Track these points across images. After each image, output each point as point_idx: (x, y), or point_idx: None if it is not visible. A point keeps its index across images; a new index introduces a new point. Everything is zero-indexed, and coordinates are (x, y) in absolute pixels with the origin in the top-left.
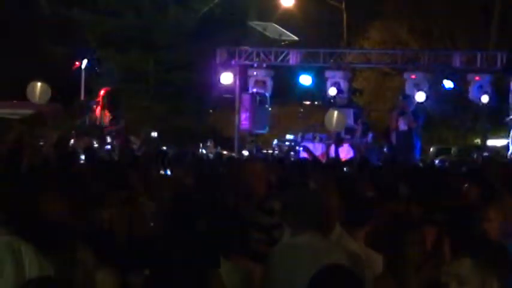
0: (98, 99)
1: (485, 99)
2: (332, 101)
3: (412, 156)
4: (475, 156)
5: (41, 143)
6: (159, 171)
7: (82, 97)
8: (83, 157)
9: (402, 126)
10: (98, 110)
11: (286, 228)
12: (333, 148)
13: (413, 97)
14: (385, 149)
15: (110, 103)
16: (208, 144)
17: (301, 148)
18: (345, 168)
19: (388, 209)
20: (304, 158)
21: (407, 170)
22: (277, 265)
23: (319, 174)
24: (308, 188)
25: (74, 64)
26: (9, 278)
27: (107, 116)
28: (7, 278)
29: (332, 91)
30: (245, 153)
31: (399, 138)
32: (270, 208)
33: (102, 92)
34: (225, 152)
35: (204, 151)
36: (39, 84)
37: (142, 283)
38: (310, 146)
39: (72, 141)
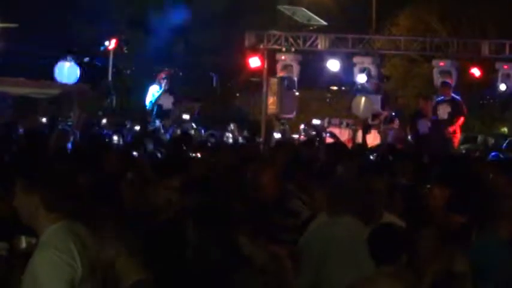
0: (159, 82)
1: (502, 87)
2: (360, 87)
3: (449, 146)
4: (491, 142)
5: (69, 123)
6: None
7: (109, 78)
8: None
9: (442, 114)
10: (157, 92)
11: (324, 216)
12: (360, 134)
13: (450, 84)
14: (409, 137)
15: (171, 85)
16: (232, 128)
17: (328, 134)
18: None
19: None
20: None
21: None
22: (309, 244)
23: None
24: (351, 174)
25: (102, 45)
26: (84, 263)
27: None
28: (83, 263)
29: (361, 78)
30: (276, 135)
31: (437, 126)
32: (292, 210)
33: (162, 75)
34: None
35: (230, 135)
36: (67, 64)
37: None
38: (336, 131)
39: (104, 121)
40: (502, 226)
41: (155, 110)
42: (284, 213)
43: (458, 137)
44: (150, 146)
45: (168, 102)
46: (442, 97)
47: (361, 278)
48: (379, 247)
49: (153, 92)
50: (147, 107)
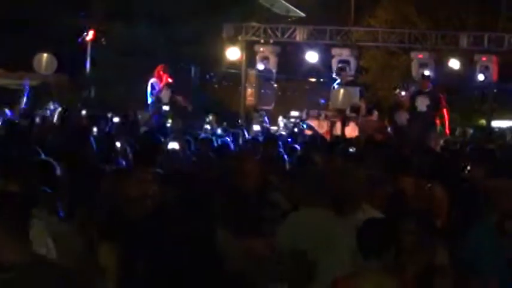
0: (158, 76)
1: (481, 77)
2: (337, 77)
3: (428, 138)
4: (464, 131)
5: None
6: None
7: (88, 69)
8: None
9: (421, 106)
10: (156, 85)
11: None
12: (338, 126)
13: (429, 76)
14: (388, 129)
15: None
16: (210, 118)
17: (305, 126)
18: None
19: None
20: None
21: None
22: (282, 236)
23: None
24: (320, 165)
25: (81, 36)
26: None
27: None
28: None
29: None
30: (255, 128)
31: (416, 118)
32: (272, 201)
33: (160, 69)
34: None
35: (208, 126)
36: (45, 55)
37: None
38: (315, 123)
39: (83, 112)
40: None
41: (154, 103)
42: (265, 205)
43: (447, 127)
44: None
45: (167, 96)
46: (420, 89)
47: (349, 272)
48: (368, 240)
49: (153, 85)
50: (150, 101)
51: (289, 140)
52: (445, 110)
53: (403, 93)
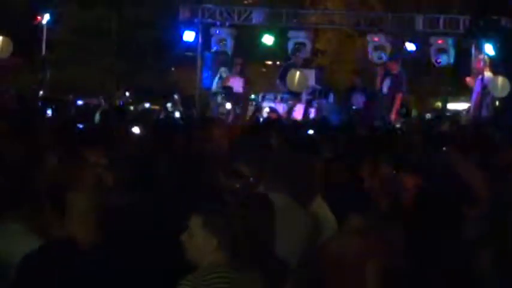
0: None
1: (438, 61)
2: (292, 59)
3: (388, 120)
4: (428, 116)
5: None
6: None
7: (43, 52)
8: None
9: (385, 89)
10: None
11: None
12: (297, 108)
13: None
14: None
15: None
16: (176, 98)
17: (268, 109)
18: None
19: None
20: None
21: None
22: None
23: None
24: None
25: (36, 18)
26: None
27: None
28: None
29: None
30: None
31: (381, 100)
32: (239, 171)
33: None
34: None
35: (170, 107)
36: (0, 37)
37: None
38: (271, 106)
39: (41, 92)
40: None
41: (221, 91)
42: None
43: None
44: None
45: (238, 85)
46: (387, 70)
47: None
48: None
49: (221, 73)
50: (213, 88)
51: None
52: (400, 94)
53: (358, 75)
